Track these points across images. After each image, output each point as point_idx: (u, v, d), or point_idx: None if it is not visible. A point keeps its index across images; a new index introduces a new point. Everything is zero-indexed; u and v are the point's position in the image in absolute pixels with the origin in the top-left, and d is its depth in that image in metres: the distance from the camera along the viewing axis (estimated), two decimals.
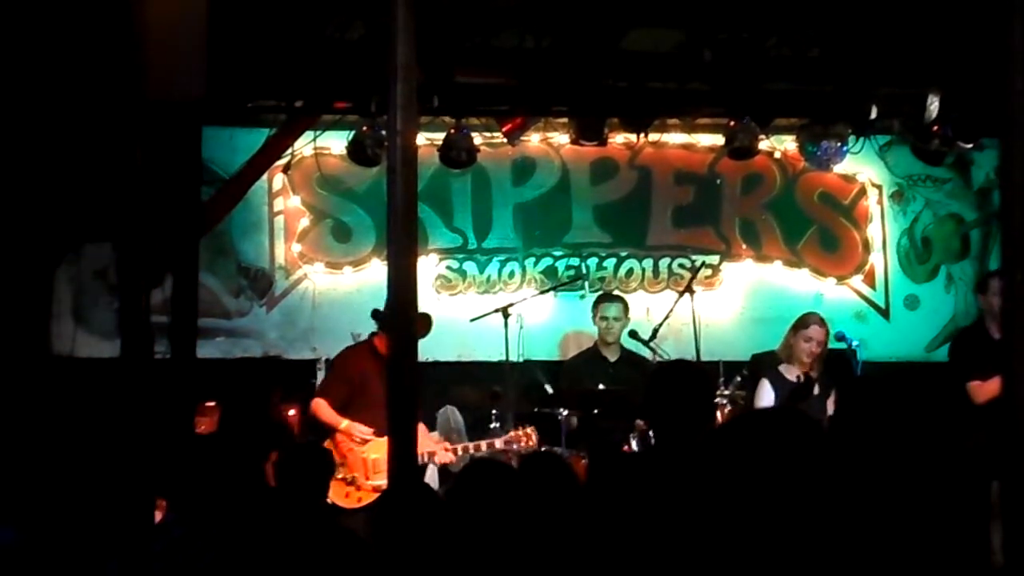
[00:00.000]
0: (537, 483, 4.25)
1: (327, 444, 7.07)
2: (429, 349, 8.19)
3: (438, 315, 8.84)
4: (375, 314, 7.60)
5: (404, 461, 3.29)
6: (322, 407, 7.32)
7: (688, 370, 5.83)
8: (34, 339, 7.93)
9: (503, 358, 7.82)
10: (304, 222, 8.98)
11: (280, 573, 4.12)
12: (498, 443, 7.46)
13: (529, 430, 7.45)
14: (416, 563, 3.16)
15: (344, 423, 7.27)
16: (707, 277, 9.14)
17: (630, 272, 9.23)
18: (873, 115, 8.38)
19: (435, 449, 7.39)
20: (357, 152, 8.43)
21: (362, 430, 7.23)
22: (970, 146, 8.59)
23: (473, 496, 4.21)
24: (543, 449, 7.39)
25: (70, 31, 5.31)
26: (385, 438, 7.18)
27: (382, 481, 7.17)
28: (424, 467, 7.55)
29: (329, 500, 6.95)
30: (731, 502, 2.13)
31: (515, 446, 7.42)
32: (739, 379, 7.57)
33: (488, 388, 7.85)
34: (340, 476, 7.08)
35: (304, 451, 5.63)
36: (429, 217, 8.91)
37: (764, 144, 8.94)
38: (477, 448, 7.48)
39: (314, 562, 4.21)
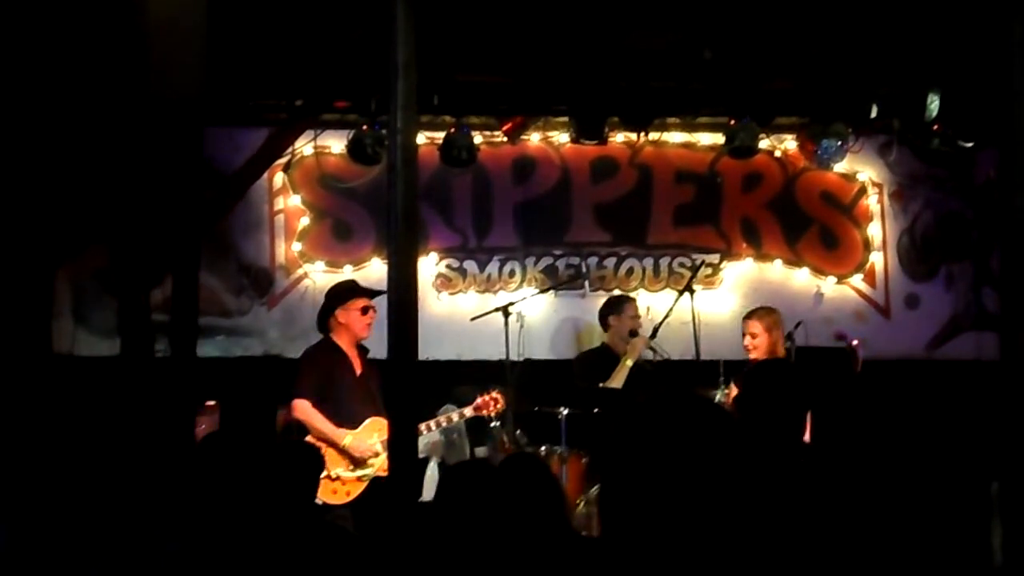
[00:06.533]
0: (516, 483, 4.25)
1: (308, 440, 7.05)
2: (430, 348, 8.20)
3: (439, 314, 8.89)
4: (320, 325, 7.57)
5: (404, 460, 3.29)
6: (313, 414, 7.21)
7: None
8: (35, 337, 7.94)
9: (503, 357, 7.81)
10: (304, 221, 8.98)
11: (274, 573, 4.12)
12: (467, 411, 7.47)
13: (496, 394, 7.46)
14: (410, 561, 3.16)
15: (347, 439, 7.18)
16: (707, 276, 9.14)
17: (630, 271, 9.22)
18: (873, 114, 8.39)
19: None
20: (357, 151, 8.44)
21: (362, 449, 7.19)
22: (970, 145, 8.60)
23: (456, 497, 4.22)
24: (528, 450, 7.40)
25: (71, 33, 5.31)
26: (359, 428, 7.22)
27: (366, 470, 7.16)
28: (425, 463, 7.55)
29: (319, 499, 6.96)
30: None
31: (484, 412, 7.44)
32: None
33: (489, 386, 7.83)
34: (324, 475, 7.05)
35: (293, 450, 5.58)
36: (429, 216, 8.91)
37: (764, 143, 8.95)
38: (448, 420, 7.47)
39: (307, 561, 4.22)
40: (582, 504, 6.95)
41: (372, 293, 7.27)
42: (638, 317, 8.20)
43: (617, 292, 9.02)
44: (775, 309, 7.85)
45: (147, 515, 4.54)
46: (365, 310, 7.32)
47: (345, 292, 7.42)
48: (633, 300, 8.42)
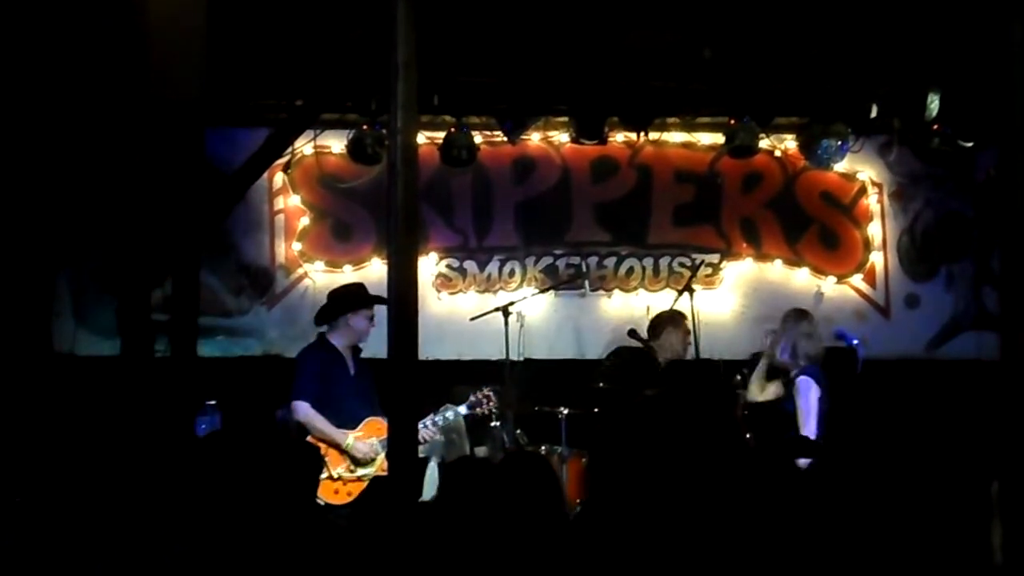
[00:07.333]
0: (517, 481, 4.27)
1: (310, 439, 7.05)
2: (430, 348, 8.20)
3: (439, 314, 8.89)
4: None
5: (404, 460, 3.30)
6: (314, 415, 7.19)
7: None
8: (36, 337, 7.95)
9: (503, 357, 7.81)
10: (304, 221, 8.98)
11: (276, 572, 4.12)
12: (462, 409, 7.46)
13: (488, 392, 7.45)
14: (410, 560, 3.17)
15: (349, 440, 7.18)
16: (707, 276, 9.15)
17: (630, 271, 9.22)
18: (873, 114, 8.39)
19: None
20: (357, 151, 8.45)
21: (365, 450, 7.19)
22: (970, 145, 8.60)
23: (457, 495, 4.24)
24: (528, 449, 7.41)
25: (72, 35, 5.31)
26: (357, 428, 7.21)
27: (366, 470, 7.16)
28: (425, 463, 7.54)
29: (322, 499, 6.96)
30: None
31: (477, 410, 7.44)
32: (739, 377, 7.57)
33: (490, 386, 7.83)
34: (326, 475, 7.05)
35: (292, 450, 5.57)
36: (429, 216, 8.91)
37: (764, 143, 8.95)
38: (444, 419, 7.46)
39: (309, 560, 4.22)
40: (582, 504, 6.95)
41: (382, 302, 7.26)
42: (689, 334, 8.11)
43: (617, 291, 9.08)
44: (797, 315, 7.35)
45: (148, 514, 4.55)
46: (371, 319, 7.35)
47: (361, 298, 7.40)
48: (687, 319, 8.24)
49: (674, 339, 8.02)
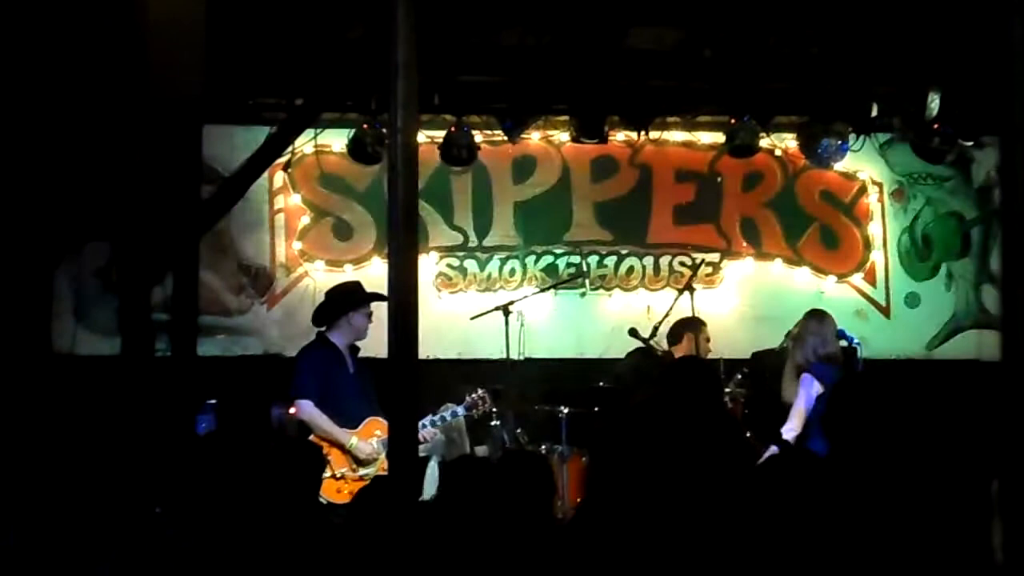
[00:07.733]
0: (515, 480, 4.28)
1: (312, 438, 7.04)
2: (430, 347, 8.20)
3: (439, 313, 8.89)
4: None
5: (404, 460, 3.29)
6: (318, 415, 7.18)
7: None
8: (35, 337, 7.94)
9: (504, 356, 7.81)
10: (305, 220, 8.98)
11: (277, 571, 4.12)
12: (460, 410, 7.46)
13: (482, 392, 7.46)
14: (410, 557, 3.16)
15: (352, 440, 7.17)
16: (707, 275, 9.15)
17: (631, 270, 9.23)
18: (874, 113, 8.40)
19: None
20: (358, 150, 8.45)
21: (368, 451, 7.18)
22: (971, 144, 8.61)
23: (456, 494, 4.24)
24: (529, 448, 7.41)
25: (71, 31, 5.31)
26: (359, 428, 7.21)
27: (368, 470, 7.16)
28: (425, 462, 7.55)
29: (325, 499, 6.96)
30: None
31: (474, 411, 7.44)
32: (739, 376, 7.57)
33: (489, 386, 7.84)
34: (328, 474, 7.05)
35: (295, 449, 5.58)
36: (430, 215, 8.92)
37: (765, 142, 8.95)
38: (443, 420, 7.46)
39: (311, 559, 4.22)
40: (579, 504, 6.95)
41: (381, 299, 7.25)
42: (709, 341, 8.06)
43: (618, 290, 9.06)
44: (807, 316, 7.31)
45: (149, 514, 4.55)
46: (370, 316, 7.34)
47: (360, 296, 7.40)
48: (706, 325, 8.20)
49: (695, 344, 8.01)
